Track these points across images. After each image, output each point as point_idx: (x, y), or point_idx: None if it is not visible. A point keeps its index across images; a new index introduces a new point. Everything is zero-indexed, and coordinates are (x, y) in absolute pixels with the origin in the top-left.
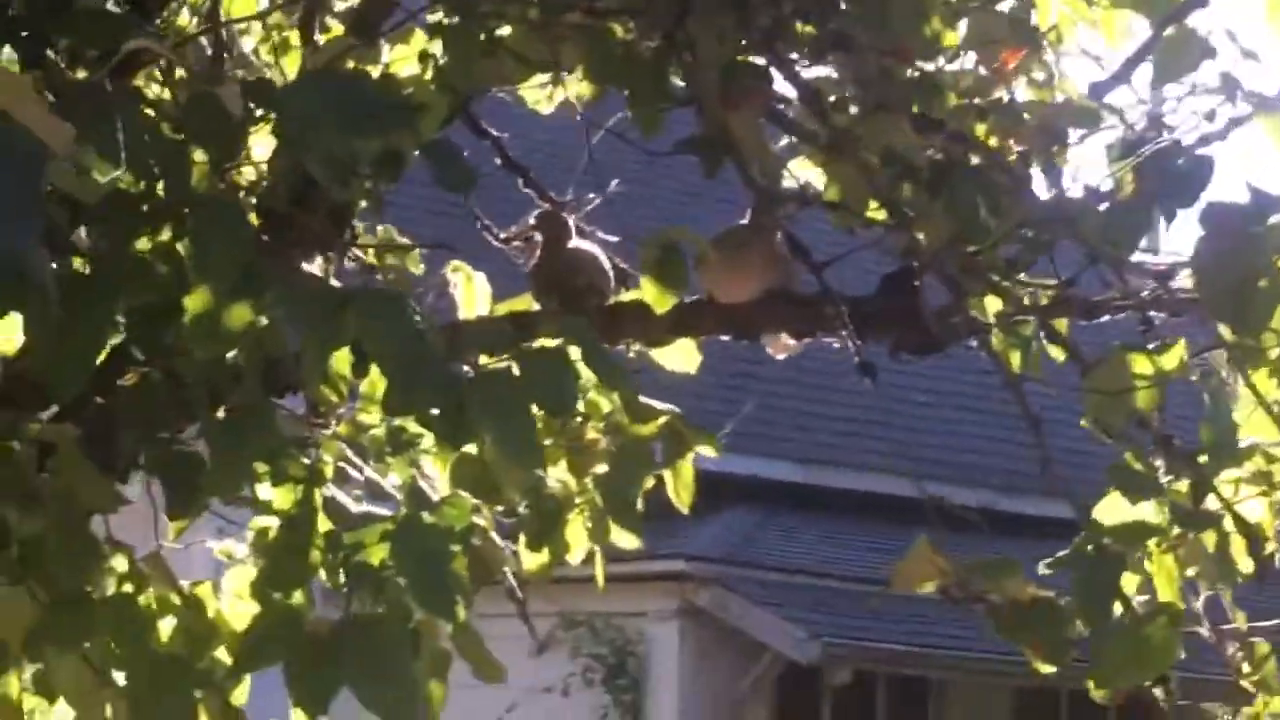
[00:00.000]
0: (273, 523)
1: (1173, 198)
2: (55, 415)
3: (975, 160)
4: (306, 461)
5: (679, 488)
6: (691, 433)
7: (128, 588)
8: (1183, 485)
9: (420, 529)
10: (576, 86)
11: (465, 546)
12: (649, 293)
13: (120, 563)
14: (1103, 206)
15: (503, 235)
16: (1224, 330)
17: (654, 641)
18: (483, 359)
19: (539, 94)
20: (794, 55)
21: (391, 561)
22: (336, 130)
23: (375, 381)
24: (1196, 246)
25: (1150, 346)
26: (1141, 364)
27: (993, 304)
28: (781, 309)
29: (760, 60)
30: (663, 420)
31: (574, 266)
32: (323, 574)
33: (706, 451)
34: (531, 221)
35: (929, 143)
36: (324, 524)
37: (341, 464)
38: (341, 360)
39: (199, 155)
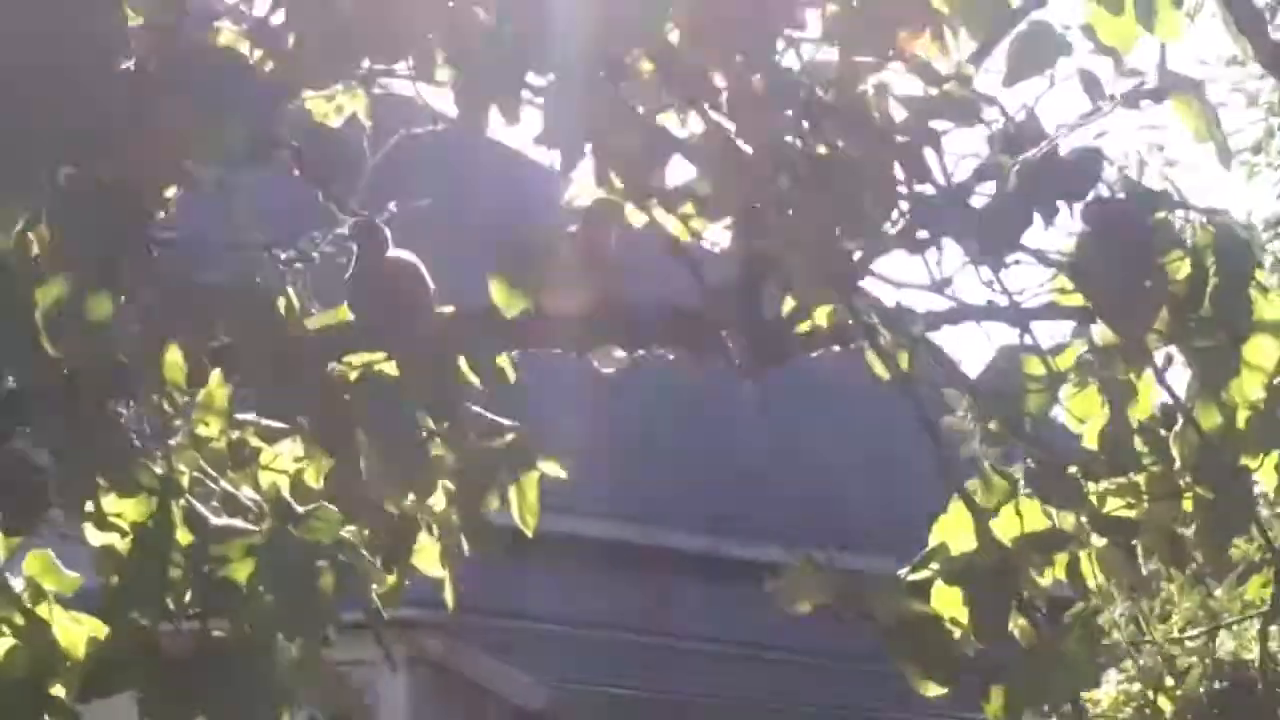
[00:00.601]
0: (113, 539)
1: (1061, 192)
2: None
3: (855, 153)
4: (159, 471)
5: (523, 510)
6: (536, 452)
7: None
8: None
9: (288, 544)
10: None
11: (332, 563)
12: (498, 294)
13: None
14: (981, 203)
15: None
16: (1103, 331)
17: (382, 691)
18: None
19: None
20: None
21: (259, 578)
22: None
23: (214, 391)
24: (1080, 244)
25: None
26: (1033, 365)
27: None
28: (609, 320)
29: None
30: (509, 437)
31: (394, 275)
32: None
33: (553, 470)
34: (347, 231)
35: (808, 133)
36: (181, 537)
37: (196, 474)
38: (174, 368)
39: None
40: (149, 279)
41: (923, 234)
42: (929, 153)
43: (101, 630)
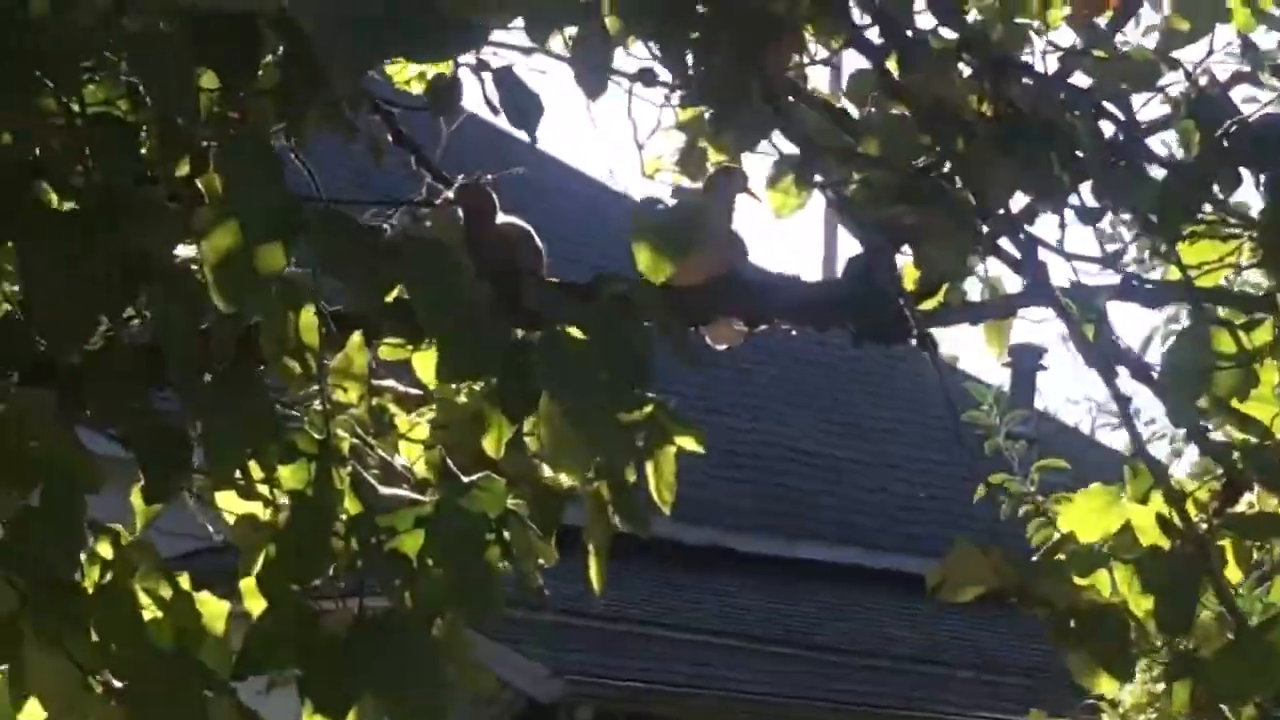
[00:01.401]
0: (256, 508)
1: (1247, 161)
2: (23, 379)
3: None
4: (317, 436)
5: (660, 485)
6: (675, 424)
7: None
8: None
9: (459, 515)
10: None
11: (499, 537)
12: (642, 260)
13: (104, 548)
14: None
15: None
16: None
17: None
18: None
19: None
20: None
21: (428, 550)
22: (379, 47)
23: (353, 355)
24: (1267, 214)
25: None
26: (1225, 341)
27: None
28: (734, 292)
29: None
30: (647, 409)
31: (508, 243)
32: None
33: (690, 446)
34: (451, 195)
35: (986, 91)
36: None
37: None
38: (308, 329)
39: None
40: (320, 229)
41: (1096, 202)
42: (1111, 115)
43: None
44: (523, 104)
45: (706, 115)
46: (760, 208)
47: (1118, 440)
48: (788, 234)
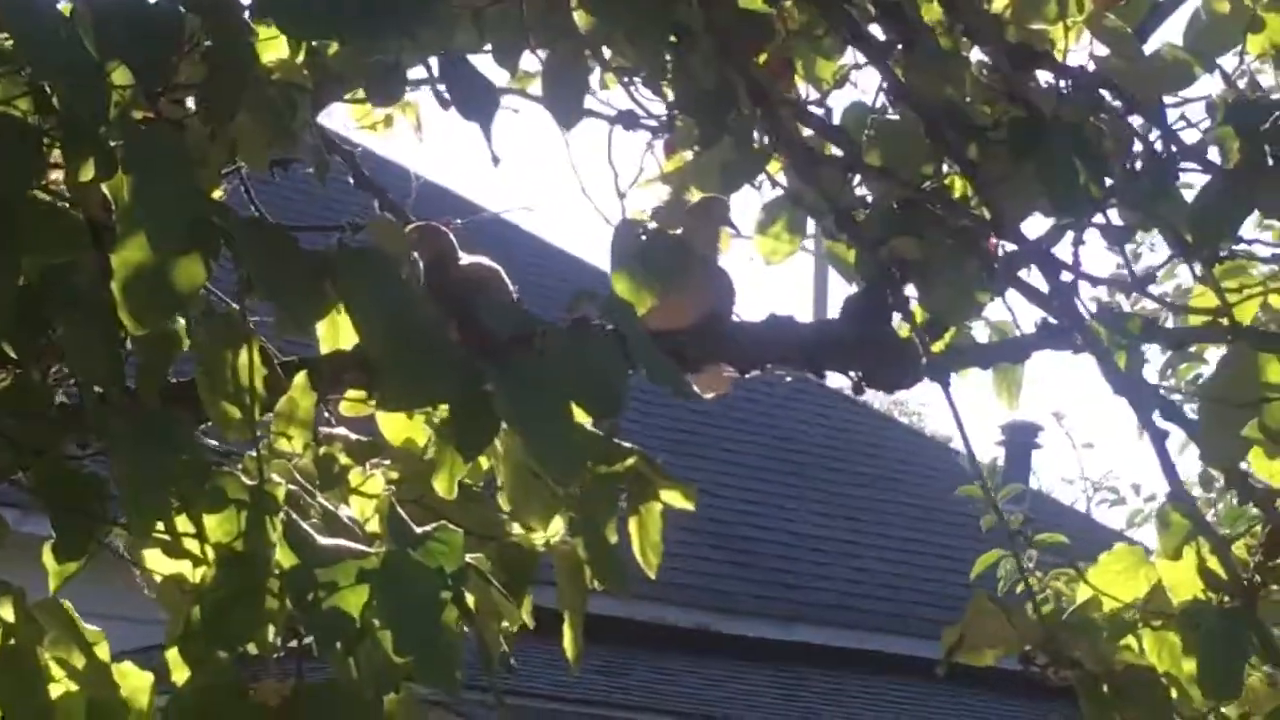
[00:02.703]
0: (185, 566)
1: None
2: None
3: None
4: (249, 482)
5: (645, 545)
6: (661, 478)
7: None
8: None
9: (409, 569)
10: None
11: (457, 595)
12: (622, 287)
13: (4, 610)
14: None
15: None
16: None
17: None
18: None
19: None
20: None
21: (376, 610)
22: (336, 29)
23: (297, 398)
24: None
25: None
26: (1275, 371)
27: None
28: (725, 335)
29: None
30: (629, 461)
31: (476, 283)
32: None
33: (678, 501)
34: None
35: (1001, 91)
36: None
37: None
38: (247, 369)
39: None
40: (244, 240)
41: (1123, 219)
42: (1140, 122)
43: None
44: (475, 93)
45: (691, 155)
46: (749, 253)
47: (1116, 519)
48: (775, 275)
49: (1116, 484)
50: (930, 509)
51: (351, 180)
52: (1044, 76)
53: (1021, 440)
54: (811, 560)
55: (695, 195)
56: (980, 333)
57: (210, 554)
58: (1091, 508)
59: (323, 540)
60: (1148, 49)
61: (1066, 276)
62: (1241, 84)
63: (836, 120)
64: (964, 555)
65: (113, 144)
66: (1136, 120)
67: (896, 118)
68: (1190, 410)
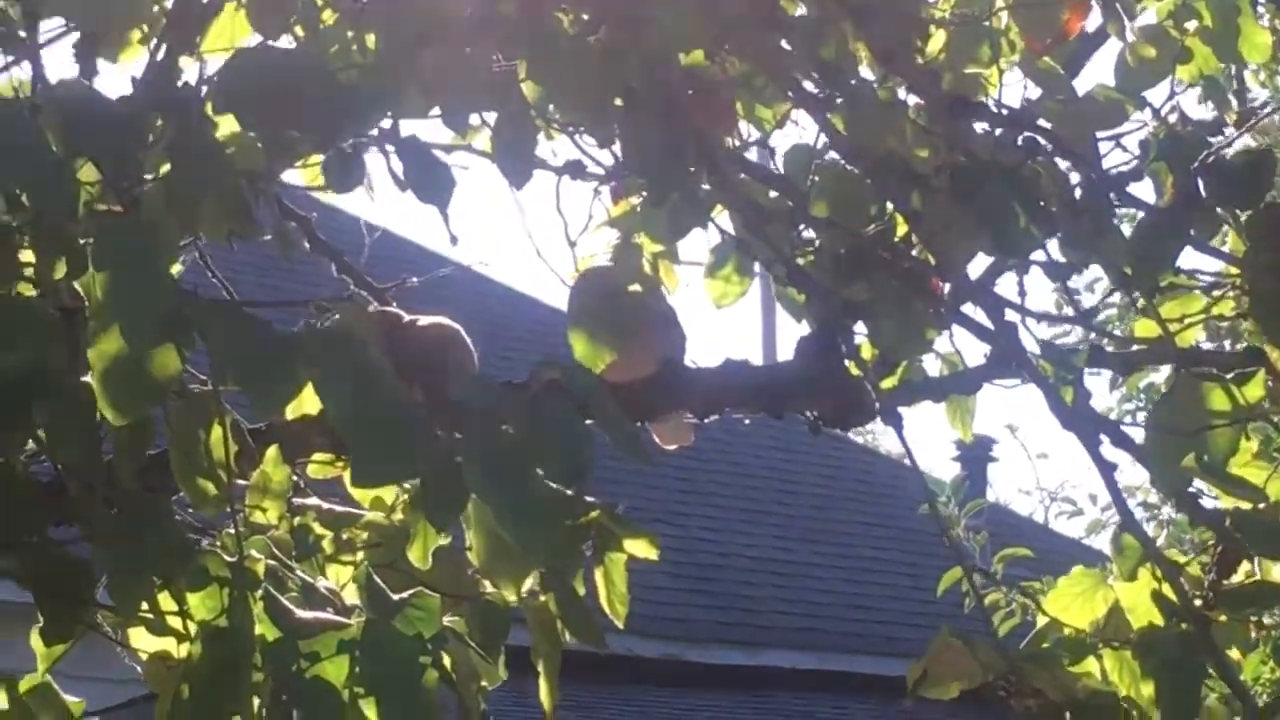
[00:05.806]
0: (169, 644)
1: (1229, 200)
2: None
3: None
4: (229, 559)
5: (611, 596)
6: (623, 528)
7: None
8: None
9: (391, 638)
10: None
11: (435, 659)
12: (580, 347)
13: None
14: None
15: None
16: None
17: None
18: None
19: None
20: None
21: (358, 679)
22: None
23: (270, 471)
24: (1249, 258)
25: (1229, 375)
26: (1218, 399)
27: None
28: (682, 383)
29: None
30: (592, 514)
31: (435, 343)
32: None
33: (642, 551)
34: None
35: (940, 139)
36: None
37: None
38: (219, 445)
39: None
40: (213, 326)
41: (1065, 256)
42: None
43: None
44: (430, 176)
45: (639, 200)
46: (696, 297)
47: (1074, 528)
48: (722, 319)
49: (1073, 494)
50: (889, 527)
51: (307, 244)
52: (980, 125)
53: (976, 454)
54: (773, 585)
55: (644, 240)
56: (931, 364)
57: (194, 630)
58: (1049, 518)
59: (302, 613)
60: (1079, 84)
61: (1013, 315)
62: (1172, 118)
63: (779, 161)
64: (926, 571)
65: (82, 241)
66: (1065, 163)
67: (840, 160)
68: (1138, 435)
